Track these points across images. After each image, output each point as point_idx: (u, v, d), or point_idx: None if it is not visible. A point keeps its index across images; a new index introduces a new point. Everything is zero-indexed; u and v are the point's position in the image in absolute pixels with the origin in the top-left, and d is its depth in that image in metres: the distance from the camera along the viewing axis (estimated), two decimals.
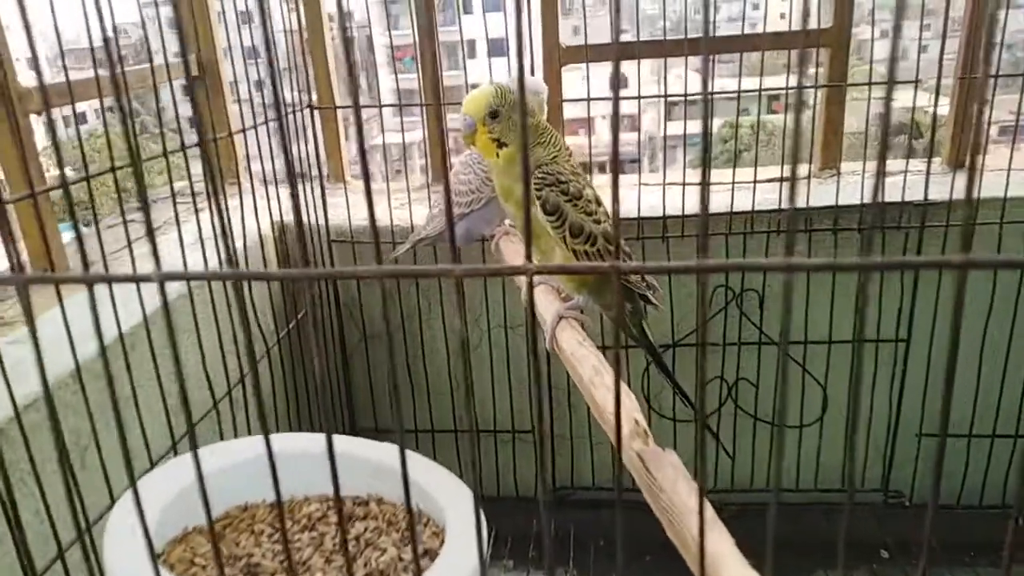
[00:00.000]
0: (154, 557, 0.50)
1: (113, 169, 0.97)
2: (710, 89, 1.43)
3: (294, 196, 0.46)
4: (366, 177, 0.48)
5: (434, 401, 1.88)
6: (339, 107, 1.80)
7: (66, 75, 1.06)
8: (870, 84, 1.58)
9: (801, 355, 1.75)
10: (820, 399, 1.78)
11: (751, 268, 0.42)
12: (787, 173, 1.76)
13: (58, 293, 0.91)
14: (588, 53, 1.69)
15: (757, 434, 1.83)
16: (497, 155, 1.05)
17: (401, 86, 1.68)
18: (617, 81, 0.46)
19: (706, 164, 0.41)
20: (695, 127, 1.71)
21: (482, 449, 1.84)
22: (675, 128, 2.09)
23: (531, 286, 0.46)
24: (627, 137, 1.87)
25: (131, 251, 1.05)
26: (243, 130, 1.34)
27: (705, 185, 0.38)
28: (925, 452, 1.81)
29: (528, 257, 0.45)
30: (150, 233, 0.53)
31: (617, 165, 0.46)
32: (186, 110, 1.20)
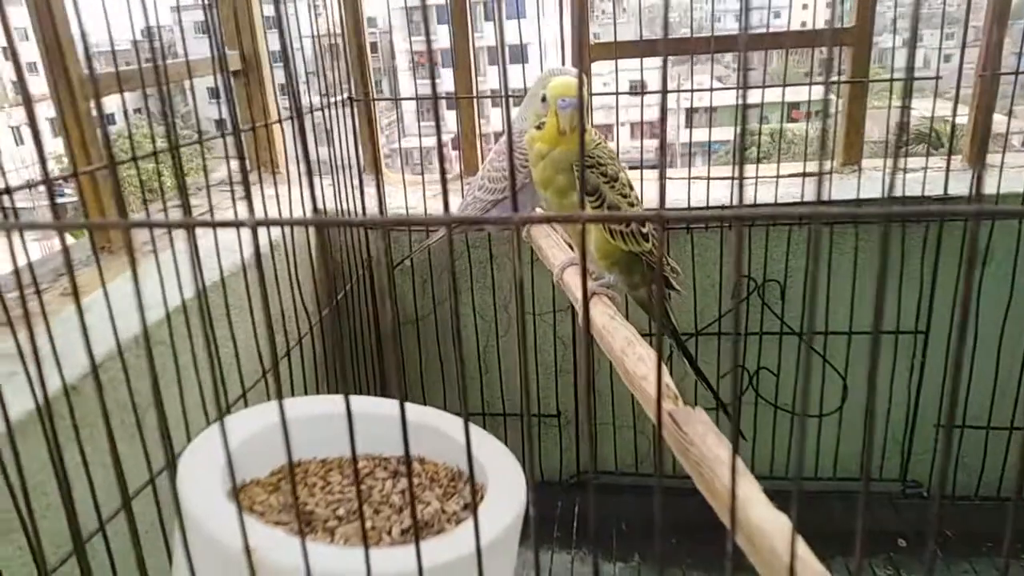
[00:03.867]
0: (236, 491, 0.56)
1: (177, 147, 1.04)
2: (743, 77, 1.49)
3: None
4: (440, 146, 0.54)
5: (465, 391, 1.94)
6: (377, 99, 1.87)
7: (114, 60, 1.14)
8: (891, 80, 1.63)
9: (821, 346, 1.79)
10: (840, 389, 1.82)
11: (785, 216, 0.48)
12: (810, 168, 1.81)
13: (127, 247, 0.98)
14: (616, 51, 1.75)
15: (777, 423, 1.87)
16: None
17: (424, 90, 1.76)
18: (666, 64, 0.52)
19: (743, 101, 0.47)
20: (717, 134, 1.76)
21: (510, 433, 1.89)
22: (697, 135, 2.14)
23: (583, 232, 0.52)
24: (647, 144, 1.91)
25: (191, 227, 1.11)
26: (291, 118, 1.41)
27: (743, 120, 0.44)
28: (944, 443, 1.84)
29: (582, 206, 0.51)
30: (246, 182, 0.60)
31: (665, 134, 0.52)
32: (213, 111, 1.26)
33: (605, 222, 1.09)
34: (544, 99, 1.11)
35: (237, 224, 0.56)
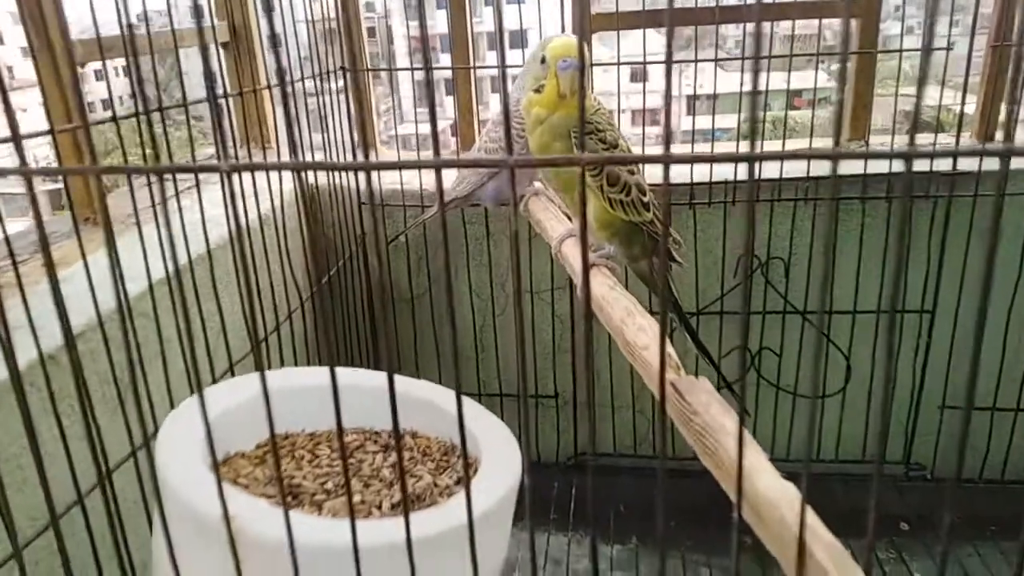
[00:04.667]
0: (215, 460, 0.53)
1: (161, 108, 1.00)
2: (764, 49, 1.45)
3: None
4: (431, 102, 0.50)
5: (459, 364, 1.90)
6: (371, 70, 1.83)
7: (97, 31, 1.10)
8: (900, 51, 1.58)
9: (825, 325, 1.76)
10: (843, 369, 1.78)
11: (802, 156, 0.44)
12: (816, 144, 1.77)
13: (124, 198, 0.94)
14: (618, 21, 1.70)
15: (779, 403, 1.84)
16: None
17: (422, 76, 1.72)
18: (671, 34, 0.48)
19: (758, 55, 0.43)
20: (719, 121, 1.71)
21: (506, 413, 1.86)
22: (699, 123, 2.09)
23: (583, 176, 0.48)
24: (649, 131, 1.88)
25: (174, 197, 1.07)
26: (280, 84, 1.37)
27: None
28: (948, 425, 1.81)
29: (581, 149, 0.47)
30: (219, 125, 0.56)
31: (670, 78, 0.48)
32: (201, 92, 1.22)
33: (607, 165, 1.05)
34: (543, 60, 1.07)
35: (209, 169, 0.52)
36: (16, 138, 0.75)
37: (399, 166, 0.51)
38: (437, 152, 0.50)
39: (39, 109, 1.16)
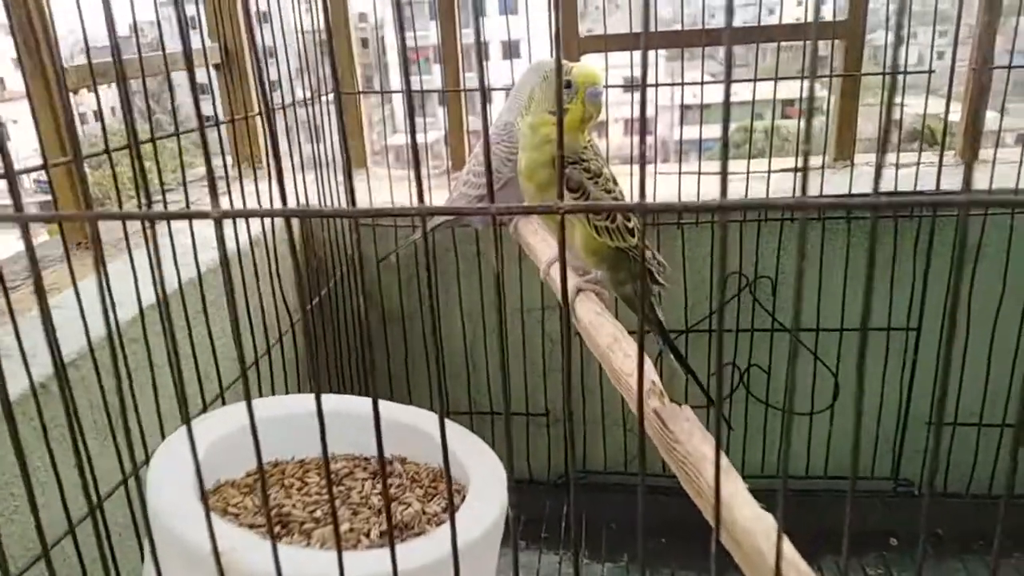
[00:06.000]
0: (204, 493, 0.54)
1: (153, 140, 1.02)
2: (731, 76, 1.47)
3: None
4: (413, 135, 0.52)
5: (449, 383, 1.91)
6: (363, 92, 1.85)
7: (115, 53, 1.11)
8: (883, 74, 1.61)
9: (813, 343, 1.77)
10: (831, 386, 1.80)
11: (769, 206, 0.46)
12: (801, 164, 1.79)
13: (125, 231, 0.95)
14: (607, 43, 1.73)
15: (768, 421, 1.85)
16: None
17: (415, 87, 1.75)
18: (645, 57, 0.49)
19: (727, 102, 0.44)
20: (710, 131, 1.74)
21: (496, 431, 1.87)
22: (689, 132, 2.12)
23: (563, 225, 0.49)
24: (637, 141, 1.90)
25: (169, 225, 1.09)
26: (276, 109, 1.39)
27: (727, 118, 0.42)
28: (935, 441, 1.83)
29: (560, 197, 0.49)
30: (209, 172, 0.57)
31: (644, 125, 0.49)
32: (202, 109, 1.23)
33: (585, 213, 1.07)
34: (569, 85, 1.09)
35: (199, 215, 0.53)
36: (10, 176, 0.76)
37: (388, 213, 0.53)
38: (421, 199, 0.52)
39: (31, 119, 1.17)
